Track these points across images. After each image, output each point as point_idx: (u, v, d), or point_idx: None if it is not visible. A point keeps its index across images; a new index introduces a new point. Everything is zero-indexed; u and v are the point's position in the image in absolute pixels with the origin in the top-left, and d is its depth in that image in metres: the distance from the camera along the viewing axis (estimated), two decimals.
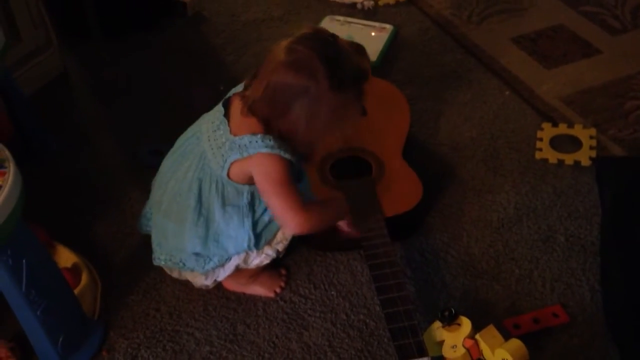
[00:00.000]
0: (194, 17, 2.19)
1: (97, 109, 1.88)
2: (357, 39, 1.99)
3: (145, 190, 1.59)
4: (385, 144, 1.56)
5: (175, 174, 1.28)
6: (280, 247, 1.31)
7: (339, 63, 1.14)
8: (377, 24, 2.08)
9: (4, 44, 1.49)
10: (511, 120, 1.77)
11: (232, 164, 1.20)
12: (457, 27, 2.11)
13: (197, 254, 1.28)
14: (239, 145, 1.18)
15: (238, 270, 1.32)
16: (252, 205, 1.24)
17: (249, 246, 1.26)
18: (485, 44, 2.03)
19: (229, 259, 1.29)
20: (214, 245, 1.26)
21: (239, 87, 1.28)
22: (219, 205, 1.23)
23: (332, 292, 1.38)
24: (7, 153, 1.08)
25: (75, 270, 1.37)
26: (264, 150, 1.16)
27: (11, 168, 1.06)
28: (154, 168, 1.62)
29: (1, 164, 1.06)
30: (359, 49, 1.21)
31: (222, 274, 1.31)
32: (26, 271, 1.11)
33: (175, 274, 1.36)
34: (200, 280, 1.33)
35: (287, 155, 1.18)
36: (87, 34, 2.08)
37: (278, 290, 1.39)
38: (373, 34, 2.05)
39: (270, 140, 1.16)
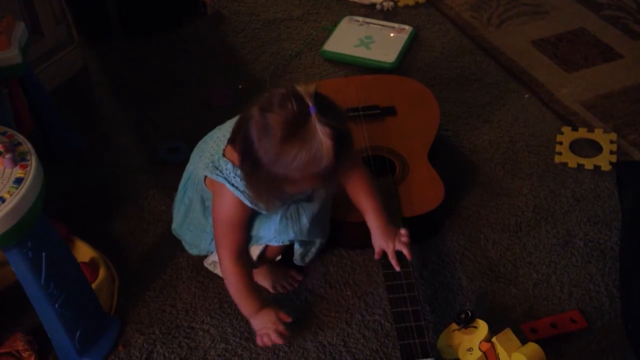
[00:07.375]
0: (214, 16, 2.20)
1: (116, 106, 1.89)
2: (376, 39, 2.02)
3: (163, 187, 1.60)
4: (411, 144, 1.55)
5: (188, 166, 1.36)
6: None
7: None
8: (396, 25, 2.08)
9: (27, 40, 1.51)
10: (530, 123, 1.76)
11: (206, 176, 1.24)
12: (477, 29, 2.10)
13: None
14: (218, 167, 1.19)
15: None
16: None
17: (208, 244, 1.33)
18: (505, 46, 2.02)
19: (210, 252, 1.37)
20: (188, 232, 1.36)
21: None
22: (198, 201, 1.31)
23: (348, 292, 1.38)
24: (29, 146, 1.09)
25: (93, 265, 1.38)
26: (230, 187, 1.17)
27: (33, 161, 1.07)
28: (172, 165, 1.64)
29: (23, 157, 1.07)
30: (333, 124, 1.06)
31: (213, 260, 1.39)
32: (45, 264, 1.12)
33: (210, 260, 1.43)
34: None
35: (248, 203, 1.18)
36: (109, 32, 2.10)
37: (280, 289, 1.38)
38: (392, 34, 2.05)
39: (241, 180, 1.16)
